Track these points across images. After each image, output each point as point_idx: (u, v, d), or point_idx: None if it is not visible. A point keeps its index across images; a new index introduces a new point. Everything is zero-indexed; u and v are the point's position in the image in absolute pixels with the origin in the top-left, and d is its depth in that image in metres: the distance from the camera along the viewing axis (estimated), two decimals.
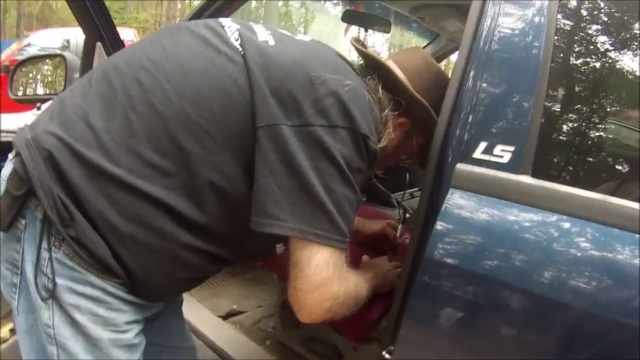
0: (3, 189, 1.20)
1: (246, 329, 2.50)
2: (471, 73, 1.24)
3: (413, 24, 3.24)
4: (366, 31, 3.13)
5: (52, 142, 1.15)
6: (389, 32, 3.09)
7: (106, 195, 1.14)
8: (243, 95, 1.18)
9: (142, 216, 1.15)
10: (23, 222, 1.18)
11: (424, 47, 3.39)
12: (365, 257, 1.71)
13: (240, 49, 1.24)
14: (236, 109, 1.18)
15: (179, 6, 28.93)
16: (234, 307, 2.64)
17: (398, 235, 1.93)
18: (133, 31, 12.85)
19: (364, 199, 2.79)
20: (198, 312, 2.56)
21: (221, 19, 1.36)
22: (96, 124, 1.16)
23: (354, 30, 3.39)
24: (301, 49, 1.30)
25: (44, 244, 1.16)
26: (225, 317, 2.59)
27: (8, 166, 1.23)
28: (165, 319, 1.53)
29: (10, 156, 1.26)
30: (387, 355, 1.25)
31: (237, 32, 1.28)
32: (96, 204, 1.13)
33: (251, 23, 1.36)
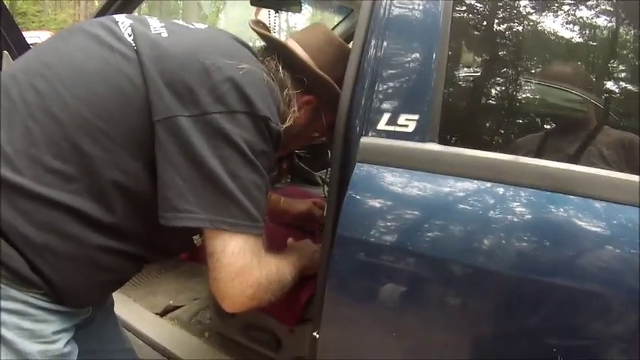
0: None
1: (184, 323, 2.49)
2: (372, 42, 1.24)
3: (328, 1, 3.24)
4: (276, 12, 3.12)
5: None
6: (299, 12, 3.07)
7: (15, 207, 1.11)
8: (138, 91, 1.16)
9: (52, 224, 1.13)
10: None
11: (338, 23, 3.40)
12: (290, 240, 1.71)
13: (133, 44, 1.22)
14: (132, 106, 1.16)
15: (96, 4, 28.30)
16: (171, 302, 2.62)
17: (325, 213, 1.94)
18: (50, 33, 12.55)
19: (288, 180, 2.80)
20: (136, 311, 2.53)
21: (116, 16, 1.34)
22: None
23: (265, 13, 3.37)
24: (195, 38, 1.29)
25: None
26: (162, 314, 2.57)
27: None
28: (99, 324, 1.51)
29: None
30: (317, 335, 1.25)
31: (130, 27, 1.26)
32: (6, 217, 1.11)
33: (145, 17, 1.34)
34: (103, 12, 2.23)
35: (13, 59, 2.30)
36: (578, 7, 1.18)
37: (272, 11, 3.10)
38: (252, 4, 2.94)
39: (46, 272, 1.14)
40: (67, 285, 1.18)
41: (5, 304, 1.13)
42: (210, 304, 2.34)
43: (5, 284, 1.12)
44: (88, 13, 24.98)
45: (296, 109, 1.38)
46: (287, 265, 1.37)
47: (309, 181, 2.70)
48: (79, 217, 1.15)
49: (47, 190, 1.12)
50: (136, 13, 2.30)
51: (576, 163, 1.02)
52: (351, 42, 1.26)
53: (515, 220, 1.02)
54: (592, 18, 1.16)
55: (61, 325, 1.23)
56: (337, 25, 3.41)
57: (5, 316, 1.14)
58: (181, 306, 2.60)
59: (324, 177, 2.64)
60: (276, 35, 1.46)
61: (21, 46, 2.34)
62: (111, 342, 1.64)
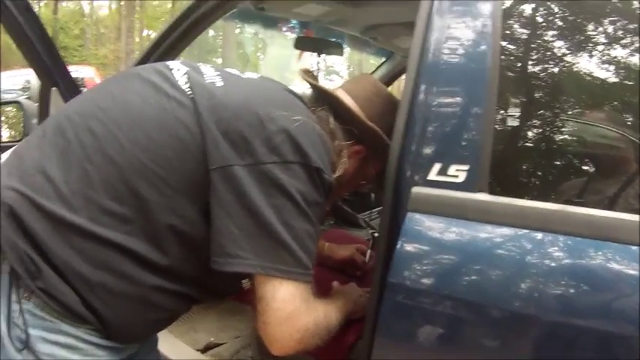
0: None
1: None
2: (420, 92, 1.25)
3: (367, 44, 3.28)
4: (319, 55, 3.17)
5: (12, 196, 1.17)
6: (342, 55, 3.13)
7: (71, 245, 1.15)
8: (195, 139, 1.20)
9: (107, 263, 1.17)
10: None
11: (379, 66, 3.43)
12: (335, 283, 1.72)
13: (190, 92, 1.26)
14: (188, 154, 1.20)
15: (137, 40, 28.84)
16: (212, 339, 2.61)
17: (367, 259, 1.95)
18: (92, 68, 12.81)
19: (332, 222, 2.81)
20: (177, 347, 2.53)
21: (169, 62, 1.38)
22: (54, 176, 1.18)
23: (308, 55, 3.42)
24: (249, 87, 1.32)
25: (14, 297, 1.18)
26: (203, 350, 2.56)
27: None
28: (142, 358, 1.52)
29: None
30: None
31: (186, 75, 1.30)
32: (62, 255, 1.15)
33: (199, 64, 1.39)
34: (148, 55, 2.29)
35: (60, 95, 2.34)
36: (629, 46, 1.19)
37: (315, 54, 3.16)
38: (296, 47, 3.01)
39: (98, 309, 1.18)
40: (118, 322, 1.21)
41: (56, 337, 1.18)
42: (252, 342, 2.34)
43: (57, 318, 1.17)
44: (129, 49, 25.40)
45: (346, 159, 1.40)
46: (334, 309, 1.38)
47: (351, 223, 2.71)
48: (133, 258, 1.18)
49: (103, 230, 1.16)
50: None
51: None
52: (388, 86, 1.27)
53: (562, 269, 1.03)
54: None
55: (109, 359, 1.26)
56: (378, 67, 3.46)
57: (55, 349, 1.18)
58: (223, 343, 2.58)
59: (366, 219, 2.65)
60: (326, 86, 1.48)
61: (67, 82, 2.37)
62: None
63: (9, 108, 3.14)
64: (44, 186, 1.18)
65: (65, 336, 1.18)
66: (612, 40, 1.20)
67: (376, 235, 2.34)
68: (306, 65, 1.78)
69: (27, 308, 1.18)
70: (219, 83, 1.30)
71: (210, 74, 1.33)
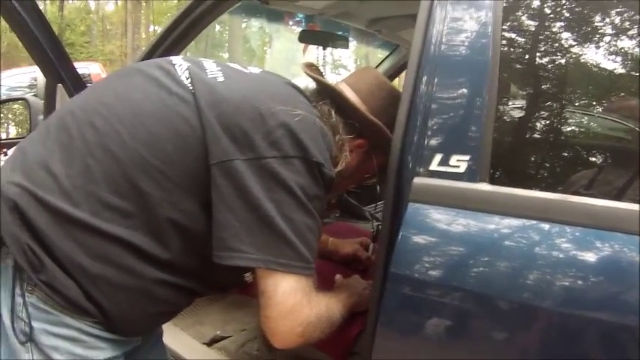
0: None
1: (231, 354, 2.48)
2: (422, 82, 1.25)
3: (373, 37, 3.28)
4: (324, 48, 3.17)
5: (16, 191, 1.18)
6: (347, 48, 3.13)
7: (73, 239, 1.17)
8: (196, 134, 1.21)
9: (109, 256, 1.18)
10: None
11: (385, 59, 3.43)
12: (338, 276, 1.73)
13: (191, 87, 1.27)
14: (190, 149, 1.21)
15: (144, 35, 28.89)
16: (218, 332, 2.62)
17: (370, 254, 1.95)
18: (98, 64, 12.82)
19: (337, 215, 2.81)
20: (183, 340, 2.55)
21: (172, 58, 1.39)
22: (56, 171, 1.19)
23: (313, 48, 3.43)
24: (250, 82, 1.34)
25: (17, 290, 1.20)
26: (209, 343, 2.56)
27: None
28: (147, 352, 1.54)
29: None
30: None
31: (188, 70, 1.31)
32: (64, 248, 1.16)
33: (201, 59, 1.40)
34: (154, 50, 2.30)
35: (66, 91, 2.36)
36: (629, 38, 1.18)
37: (320, 47, 3.16)
38: (300, 40, 3.01)
39: (101, 302, 1.19)
40: (120, 314, 1.23)
41: (59, 330, 1.20)
42: (258, 335, 2.34)
43: (60, 311, 1.19)
44: (135, 45, 25.44)
45: (348, 153, 1.41)
46: (337, 303, 1.39)
47: (357, 215, 2.71)
48: (134, 251, 1.20)
49: (104, 224, 1.17)
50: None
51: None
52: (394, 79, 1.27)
53: (563, 257, 1.02)
54: None
55: (112, 352, 1.28)
56: (384, 60, 3.45)
57: (59, 342, 1.20)
58: (229, 336, 2.58)
59: (372, 212, 2.65)
60: (328, 80, 1.49)
61: (73, 78, 2.40)
62: None
63: (16, 105, 3.17)
64: (47, 181, 1.19)
65: (68, 329, 1.20)
66: (617, 31, 1.20)
67: (380, 227, 2.35)
68: (309, 59, 1.78)
69: (30, 301, 1.19)
70: (221, 78, 1.31)
71: (212, 69, 1.34)
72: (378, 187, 2.59)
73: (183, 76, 1.30)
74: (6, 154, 2.17)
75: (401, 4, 2.55)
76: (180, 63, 1.35)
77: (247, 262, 1.19)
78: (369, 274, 1.77)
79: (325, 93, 1.46)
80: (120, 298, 1.22)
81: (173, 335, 2.50)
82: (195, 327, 2.70)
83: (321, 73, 1.57)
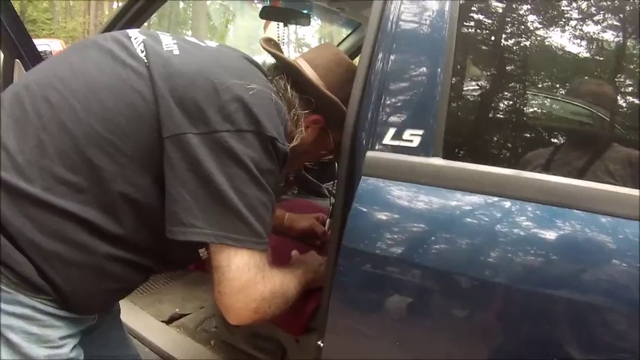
0: None
1: (190, 331, 2.50)
2: (378, 58, 1.26)
3: (336, 15, 3.27)
4: (285, 25, 3.15)
5: None
6: (308, 25, 3.11)
7: (26, 215, 1.14)
8: (149, 107, 1.19)
9: (61, 232, 1.16)
10: None
11: (346, 37, 3.42)
12: (294, 252, 1.73)
13: (146, 60, 1.25)
14: (143, 122, 1.19)
15: (107, 12, 28.45)
16: (177, 310, 2.64)
17: (326, 229, 1.96)
18: (60, 41, 12.64)
19: (295, 192, 2.81)
20: (142, 319, 2.55)
21: (129, 31, 1.37)
22: (10, 145, 1.17)
23: (274, 25, 3.41)
24: (206, 56, 1.32)
25: None
26: (168, 322, 2.58)
27: None
28: (105, 330, 1.54)
29: None
30: (321, 344, 1.27)
31: (143, 43, 1.29)
32: (17, 224, 1.14)
33: (158, 32, 1.37)
34: (113, 24, 2.27)
35: (24, 67, 2.33)
36: (584, 22, 1.19)
37: (281, 24, 3.14)
38: (261, 17, 2.98)
39: (54, 279, 1.17)
40: (74, 292, 1.21)
41: (13, 308, 1.16)
42: (216, 312, 2.35)
43: (14, 289, 1.15)
44: (97, 22, 25.09)
45: (303, 128, 1.40)
46: (292, 279, 1.39)
47: (316, 192, 2.72)
48: (87, 227, 1.18)
49: (57, 199, 1.15)
50: (145, 24, 2.34)
51: (582, 178, 1.04)
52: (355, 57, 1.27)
53: (519, 233, 1.03)
54: (598, 33, 1.17)
55: (68, 330, 1.26)
56: (345, 38, 3.45)
57: (13, 321, 1.17)
58: (188, 314, 2.61)
59: (331, 189, 2.66)
60: (285, 54, 1.48)
61: (32, 54, 2.36)
62: (116, 348, 1.66)
63: None
64: (0, 156, 1.17)
65: (22, 307, 1.17)
66: (568, 15, 1.21)
67: None
68: (268, 35, 1.78)
69: None
70: (176, 52, 1.29)
71: (168, 42, 1.32)
72: (336, 165, 2.60)
73: (139, 49, 1.28)
74: None
75: None
76: (136, 36, 1.33)
77: (200, 237, 1.17)
78: (326, 251, 1.77)
79: (282, 68, 1.45)
80: (73, 274, 1.19)
81: (132, 314, 2.50)
82: (155, 305, 2.71)
83: (280, 49, 1.55)
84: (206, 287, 2.79)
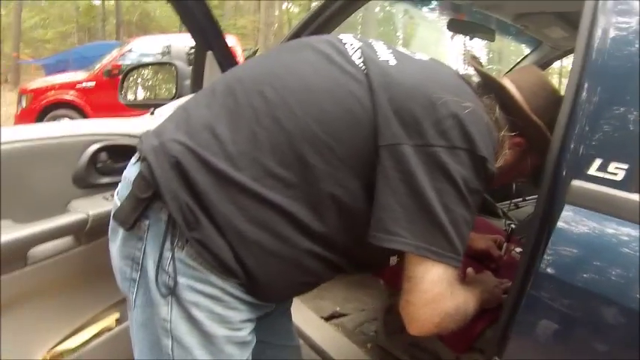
0: (128, 191, 1.30)
1: (348, 331, 2.52)
2: (585, 88, 1.23)
3: (514, 31, 3.21)
4: (470, 39, 3.12)
5: (178, 149, 1.23)
6: (493, 40, 3.07)
7: (233, 202, 1.20)
8: (367, 115, 1.22)
9: (267, 222, 1.22)
10: (147, 222, 1.27)
11: (527, 55, 3.35)
12: (469, 270, 1.72)
13: (364, 67, 1.28)
14: (361, 129, 1.22)
15: (277, 12, 29.23)
16: (337, 309, 2.66)
17: (503, 253, 1.93)
18: (234, 37, 13.17)
19: None
20: (302, 312, 2.60)
21: (341, 36, 1.41)
22: (221, 134, 1.24)
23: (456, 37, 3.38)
24: (421, 69, 1.34)
25: (167, 245, 1.24)
26: (327, 319, 2.62)
27: (132, 170, 1.33)
28: (274, 318, 1.59)
29: (134, 160, 1.36)
30: None
31: (360, 51, 1.33)
32: (223, 210, 1.20)
33: (371, 41, 1.41)
34: (304, 27, 2.33)
35: (215, 58, 2.38)
36: None
37: (467, 38, 3.11)
38: (448, 29, 2.97)
39: (250, 265, 1.23)
40: (266, 280, 1.26)
41: (203, 287, 1.24)
42: (378, 317, 2.36)
43: (207, 269, 1.22)
44: (268, 22, 25.72)
45: (507, 150, 1.39)
46: (472, 297, 1.39)
47: (489, 211, 2.67)
48: (292, 221, 1.23)
49: (265, 190, 1.21)
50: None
51: None
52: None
53: None
54: None
55: (249, 314, 1.32)
56: (526, 56, 3.38)
57: (200, 299, 1.24)
58: (347, 314, 2.63)
59: (505, 210, 2.61)
60: (494, 75, 1.47)
61: (221, 47, 2.41)
62: (281, 337, 1.73)
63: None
64: (211, 143, 1.23)
65: (212, 287, 1.24)
66: None
67: (512, 226, 2.32)
68: (472, 51, 1.78)
69: (179, 257, 1.24)
70: (393, 62, 1.31)
71: (382, 52, 1.35)
72: (513, 186, 2.55)
73: (355, 56, 1.32)
74: (152, 113, 2.25)
75: (552, 2, 2.48)
76: (350, 42, 1.37)
77: (402, 247, 1.19)
78: (500, 274, 1.77)
79: (489, 87, 1.44)
80: (270, 264, 1.25)
81: (293, 306, 2.56)
82: (316, 301, 2.76)
83: (482, 66, 1.55)
84: (368, 290, 2.80)
